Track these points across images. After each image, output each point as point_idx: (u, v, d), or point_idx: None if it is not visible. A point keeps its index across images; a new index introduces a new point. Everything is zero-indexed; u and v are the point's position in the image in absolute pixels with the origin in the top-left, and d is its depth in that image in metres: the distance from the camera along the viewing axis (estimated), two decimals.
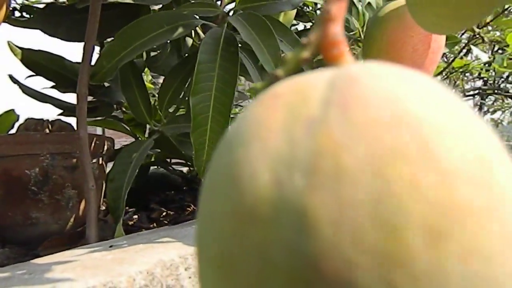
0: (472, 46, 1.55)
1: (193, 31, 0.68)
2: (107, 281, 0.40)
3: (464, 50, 1.76)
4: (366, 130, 0.10)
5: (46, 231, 0.78)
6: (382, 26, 0.54)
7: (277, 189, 0.10)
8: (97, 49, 0.64)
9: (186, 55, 0.77)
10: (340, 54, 0.14)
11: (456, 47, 1.34)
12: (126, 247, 0.53)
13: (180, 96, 0.80)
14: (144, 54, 0.83)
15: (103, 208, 0.97)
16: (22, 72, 0.93)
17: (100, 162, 0.84)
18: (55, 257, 0.50)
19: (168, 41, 0.72)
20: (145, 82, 0.82)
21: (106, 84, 0.91)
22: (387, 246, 0.09)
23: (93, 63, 0.67)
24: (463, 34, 1.42)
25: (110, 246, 0.54)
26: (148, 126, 0.82)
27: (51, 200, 0.77)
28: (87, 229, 0.61)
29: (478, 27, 1.38)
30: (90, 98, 1.02)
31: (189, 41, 0.76)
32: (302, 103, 0.12)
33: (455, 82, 1.71)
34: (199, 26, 0.66)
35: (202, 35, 0.70)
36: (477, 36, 1.48)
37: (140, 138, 0.95)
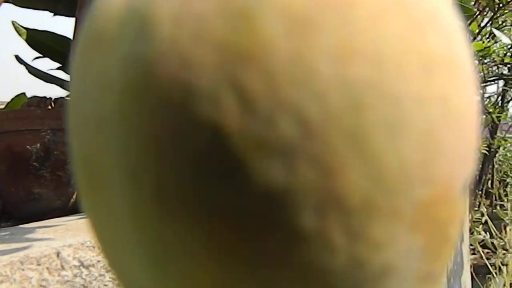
0: (494, 30, 1.48)
1: None
2: (85, 241, 0.39)
3: (487, 34, 1.69)
4: None
5: (48, 206, 0.78)
6: None
7: (126, 4, 0.09)
8: None
9: None
10: None
11: (473, 25, 1.28)
12: None
13: None
14: None
15: None
16: (29, 54, 0.94)
17: None
18: (42, 223, 0.50)
19: None
20: None
21: None
22: (235, 38, 0.07)
23: None
24: (481, 13, 1.36)
25: None
26: None
27: (53, 176, 0.77)
28: None
29: (499, 6, 1.31)
30: None
31: None
32: None
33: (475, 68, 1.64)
34: None
35: None
36: (499, 16, 1.41)
37: None
